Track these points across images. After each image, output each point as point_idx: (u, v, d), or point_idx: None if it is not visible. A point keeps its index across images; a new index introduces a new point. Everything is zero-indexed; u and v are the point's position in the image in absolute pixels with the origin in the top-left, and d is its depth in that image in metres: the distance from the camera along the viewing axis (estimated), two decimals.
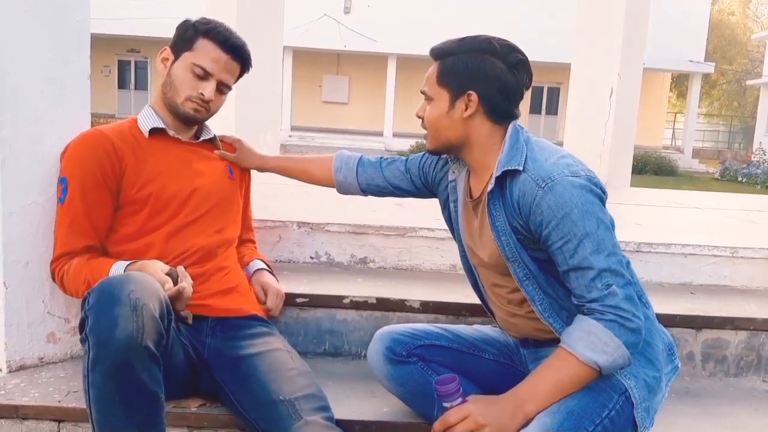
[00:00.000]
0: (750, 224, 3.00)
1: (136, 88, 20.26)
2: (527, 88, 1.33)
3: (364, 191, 1.67)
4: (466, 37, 1.33)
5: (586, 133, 4.34)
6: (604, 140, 4.27)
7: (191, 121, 1.52)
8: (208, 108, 1.50)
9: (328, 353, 1.83)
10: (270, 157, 1.75)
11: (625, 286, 1.19)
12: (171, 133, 1.53)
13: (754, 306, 2.02)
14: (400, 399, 1.47)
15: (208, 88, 1.46)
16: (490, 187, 1.29)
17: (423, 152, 1.59)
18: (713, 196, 4.77)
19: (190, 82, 1.46)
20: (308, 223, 2.17)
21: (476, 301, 1.84)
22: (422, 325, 1.54)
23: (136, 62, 20.24)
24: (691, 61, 18.23)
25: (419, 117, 1.39)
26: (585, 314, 1.21)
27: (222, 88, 1.51)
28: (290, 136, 17.28)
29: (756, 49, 28.49)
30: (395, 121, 18.41)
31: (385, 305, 1.81)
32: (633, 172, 4.74)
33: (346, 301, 1.82)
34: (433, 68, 1.35)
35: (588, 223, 1.18)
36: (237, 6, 4.11)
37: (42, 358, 1.63)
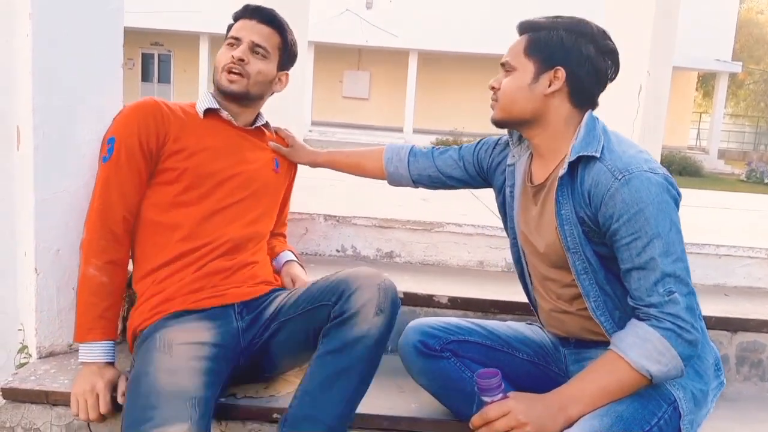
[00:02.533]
0: None
1: (159, 81, 20.46)
2: (612, 80, 1.30)
3: (416, 182, 1.64)
4: (561, 15, 1.30)
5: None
6: (632, 138, 4.19)
7: (231, 93, 1.50)
8: (245, 72, 1.49)
9: None
10: (321, 152, 1.74)
11: (687, 295, 1.15)
12: (224, 114, 1.53)
13: None
14: (431, 394, 1.45)
15: (239, 49, 1.49)
16: (561, 171, 1.25)
17: (477, 140, 1.56)
18: (742, 197, 4.67)
19: (225, 54, 1.51)
20: (335, 216, 2.15)
21: (505, 297, 1.83)
22: (455, 319, 1.49)
23: (159, 55, 20.43)
24: (718, 60, 17.90)
25: (492, 88, 1.35)
26: (641, 319, 1.17)
27: (257, 51, 1.51)
28: (310, 131, 17.32)
29: None
30: (416, 117, 18.36)
31: (412, 300, 1.79)
32: None
33: None
34: (519, 40, 1.32)
35: (661, 222, 1.14)
36: (262, 2, 4.13)
37: (71, 345, 1.63)
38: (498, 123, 1.36)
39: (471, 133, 17.21)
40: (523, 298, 1.53)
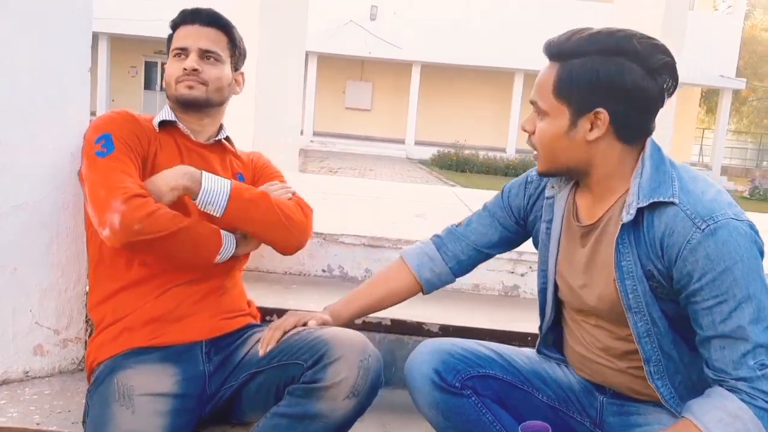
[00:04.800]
0: None
1: (161, 89, 20.40)
2: (670, 95, 1.06)
3: (456, 274, 1.37)
4: (599, 31, 1.05)
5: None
6: None
7: (192, 102, 1.36)
8: (202, 80, 1.36)
9: None
10: (346, 309, 1.36)
11: None
12: (182, 127, 1.39)
13: None
14: (437, 431, 1.25)
15: (189, 60, 1.36)
16: (626, 217, 1.04)
17: (500, 192, 1.36)
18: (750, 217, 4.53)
19: (174, 67, 1.38)
20: (322, 234, 2.03)
21: (502, 326, 1.70)
22: (473, 344, 1.27)
23: (162, 64, 20.42)
24: (722, 76, 17.84)
25: (526, 131, 1.14)
26: (728, 390, 0.99)
27: (209, 57, 1.37)
28: (312, 141, 17.26)
29: None
30: (418, 129, 18.30)
31: (400, 328, 1.67)
32: None
33: (357, 321, 1.66)
34: (548, 72, 1.08)
35: (752, 283, 0.96)
36: (260, 10, 4.04)
37: (27, 372, 1.50)
38: (545, 174, 1.18)
39: (472, 145, 17.11)
40: (522, 327, 1.39)
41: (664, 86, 1.04)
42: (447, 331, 1.66)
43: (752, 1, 31.76)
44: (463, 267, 1.36)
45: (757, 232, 1.01)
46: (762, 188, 14.82)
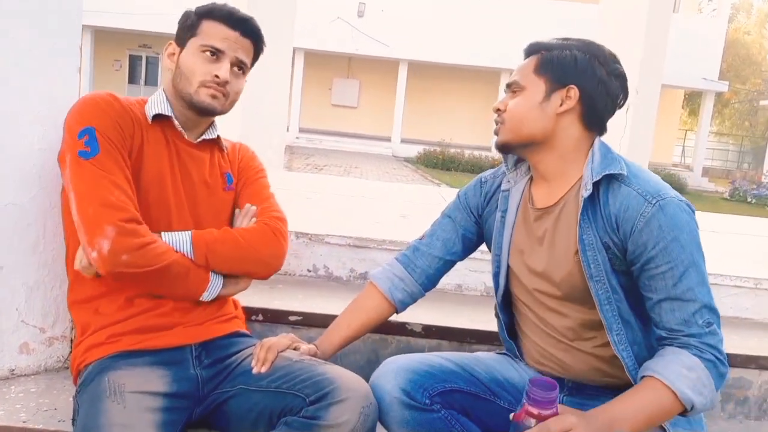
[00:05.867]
0: None
1: (146, 84, 20.24)
2: (620, 107, 1.24)
3: (426, 289, 1.44)
4: (570, 37, 1.26)
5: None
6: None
7: (209, 111, 1.32)
8: (226, 92, 1.31)
9: None
10: (330, 343, 1.37)
11: (720, 327, 1.11)
12: (176, 124, 1.34)
13: None
14: None
15: (222, 68, 1.29)
16: (585, 193, 1.17)
17: (454, 200, 1.44)
18: (729, 219, 4.63)
19: (201, 66, 1.29)
20: (307, 234, 2.05)
21: (484, 326, 1.73)
22: (434, 358, 1.32)
23: (147, 57, 20.22)
24: (705, 79, 18.06)
25: (497, 110, 1.27)
26: (678, 347, 1.11)
27: (238, 68, 1.34)
28: (297, 137, 17.20)
29: None
30: (404, 126, 18.31)
31: (384, 328, 1.68)
32: None
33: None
34: (529, 60, 1.26)
35: (695, 251, 1.11)
36: (248, 5, 4.04)
37: (13, 370, 1.51)
38: (504, 146, 1.27)
39: (458, 144, 17.19)
40: None
41: (619, 93, 1.22)
42: (430, 331, 1.70)
43: (736, 5, 32.20)
44: (432, 280, 1.43)
45: (693, 211, 1.16)
46: (741, 190, 15.04)
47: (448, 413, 1.25)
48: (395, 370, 1.25)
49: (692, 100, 24.93)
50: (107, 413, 1.09)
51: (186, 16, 1.36)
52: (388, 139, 18.23)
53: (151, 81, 20.25)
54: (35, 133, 1.45)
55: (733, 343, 1.83)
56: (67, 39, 1.51)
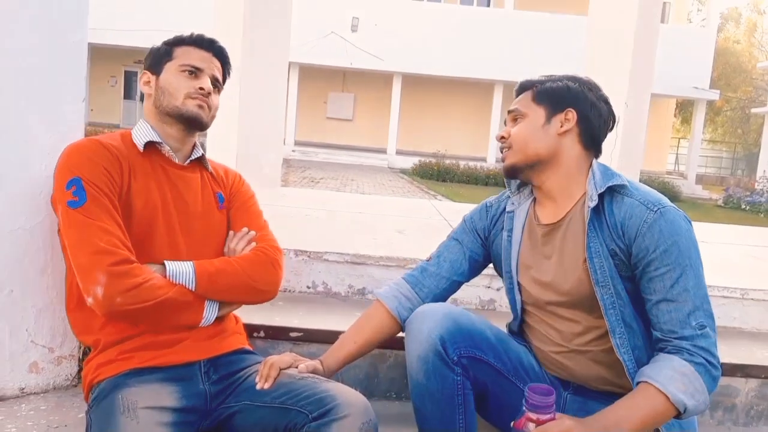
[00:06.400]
0: (759, 262, 2.93)
1: (141, 99, 20.36)
2: (611, 130, 1.36)
3: None
4: (554, 74, 1.39)
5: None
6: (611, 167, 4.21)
7: (196, 120, 1.39)
8: (210, 104, 1.42)
9: None
10: (335, 359, 1.39)
11: (714, 331, 1.18)
12: (165, 150, 1.41)
13: (766, 352, 1.94)
14: (413, 396, 1.32)
15: (205, 82, 1.41)
16: (592, 204, 1.27)
17: (461, 222, 1.52)
18: (719, 228, 4.70)
19: (184, 82, 1.40)
20: (306, 252, 2.11)
21: None
22: (478, 322, 1.35)
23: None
24: (696, 87, 18.27)
25: (501, 139, 1.37)
26: (671, 352, 1.17)
27: (216, 86, 1.45)
28: (293, 151, 17.29)
29: (760, 77, 28.59)
30: (399, 139, 18.44)
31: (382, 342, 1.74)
32: None
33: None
34: (524, 94, 1.37)
35: (693, 255, 1.19)
36: (243, 22, 4.10)
37: (23, 389, 1.56)
38: (512, 168, 1.36)
39: (453, 155, 17.30)
40: None
41: (609, 116, 1.35)
42: None
43: (725, 15, 32.58)
44: (439, 300, 1.46)
45: (690, 222, 1.25)
46: (735, 197, 15.17)
47: (463, 381, 1.28)
48: (445, 314, 1.29)
49: (684, 108, 25.17)
50: (122, 428, 1.14)
51: (156, 48, 1.47)
52: (384, 151, 18.35)
53: None
54: (43, 162, 1.51)
55: (720, 352, 1.88)
56: (74, 74, 1.58)
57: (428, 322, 1.28)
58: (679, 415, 1.15)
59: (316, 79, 19.43)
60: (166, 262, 1.32)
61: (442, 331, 1.27)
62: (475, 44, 17.29)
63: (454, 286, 1.48)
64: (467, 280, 1.50)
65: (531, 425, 1.10)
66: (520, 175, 1.37)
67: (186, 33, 1.47)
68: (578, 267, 1.29)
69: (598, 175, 1.30)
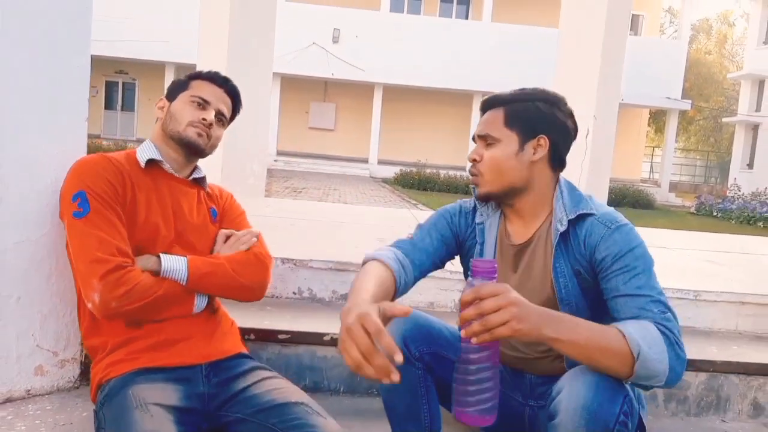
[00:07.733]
0: (715, 266, 3.13)
1: (122, 109, 20.29)
2: (574, 139, 1.40)
3: (409, 287, 1.43)
4: (526, 87, 1.40)
5: (563, 172, 4.47)
6: (580, 178, 4.40)
7: (195, 147, 1.53)
8: (210, 134, 1.55)
9: (307, 389, 1.88)
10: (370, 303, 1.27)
11: (677, 320, 1.20)
12: (166, 166, 1.55)
13: (714, 348, 2.12)
14: (382, 392, 1.40)
15: (209, 114, 1.54)
16: (561, 228, 1.33)
17: (436, 215, 1.51)
18: (683, 235, 4.92)
19: (190, 111, 1.54)
20: (292, 260, 2.24)
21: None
22: (436, 323, 1.42)
23: (123, 83, 20.28)
24: (669, 98, 18.74)
25: (473, 161, 1.39)
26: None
27: (221, 119, 1.60)
28: (276, 160, 17.36)
29: (731, 87, 29.38)
30: (381, 148, 18.61)
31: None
32: (611, 205, 4.81)
33: (326, 338, 1.88)
34: (494, 113, 1.38)
35: (648, 261, 1.26)
36: (228, 35, 4.20)
37: (29, 391, 1.67)
38: (486, 196, 1.39)
39: (434, 164, 17.52)
40: None
41: (574, 131, 1.39)
42: None
43: (696, 26, 33.38)
44: (417, 278, 1.44)
45: (641, 238, 1.32)
46: (707, 204, 15.55)
47: (424, 375, 1.36)
48: (404, 318, 1.32)
49: (658, 118, 25.72)
50: (138, 423, 1.22)
51: (177, 80, 1.64)
52: (366, 161, 18.50)
53: (128, 106, 20.29)
54: (49, 176, 1.62)
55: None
56: (78, 95, 1.71)
57: (391, 324, 1.31)
58: (631, 372, 1.10)
59: (298, 89, 19.56)
60: (161, 255, 1.44)
61: (404, 331, 1.35)
62: (454, 56, 17.58)
63: (430, 269, 1.48)
64: (436, 269, 1.50)
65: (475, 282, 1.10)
66: (494, 200, 1.43)
67: (205, 69, 1.64)
68: (546, 286, 1.35)
69: (566, 196, 1.35)
